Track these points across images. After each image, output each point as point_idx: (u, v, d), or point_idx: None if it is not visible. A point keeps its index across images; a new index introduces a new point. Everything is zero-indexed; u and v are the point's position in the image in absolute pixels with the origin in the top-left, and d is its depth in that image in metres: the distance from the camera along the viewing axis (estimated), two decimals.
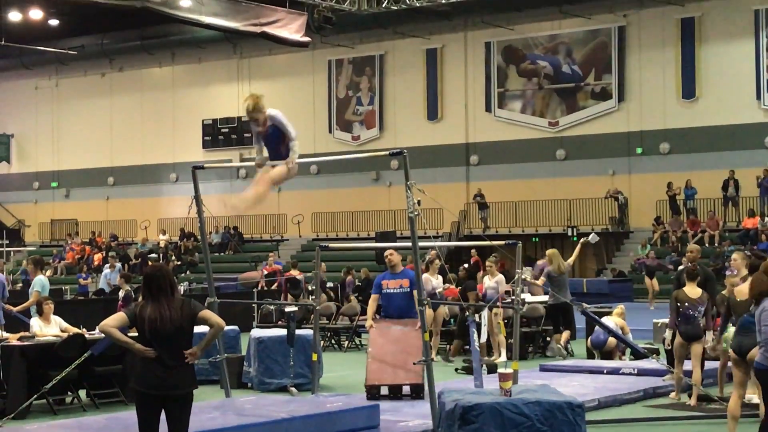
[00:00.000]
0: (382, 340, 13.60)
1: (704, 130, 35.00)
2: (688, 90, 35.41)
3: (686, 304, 13.15)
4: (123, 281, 21.37)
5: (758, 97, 34.26)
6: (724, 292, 13.71)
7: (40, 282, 16.85)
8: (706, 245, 32.42)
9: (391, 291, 13.86)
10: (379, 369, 13.31)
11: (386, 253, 14.24)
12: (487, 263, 18.95)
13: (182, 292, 25.51)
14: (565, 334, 18.61)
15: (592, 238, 22.94)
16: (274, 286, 28.62)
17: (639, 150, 36.37)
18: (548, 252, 19.22)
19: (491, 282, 18.45)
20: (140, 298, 8.13)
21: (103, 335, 9.25)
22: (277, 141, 10.53)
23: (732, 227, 34.00)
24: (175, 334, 7.71)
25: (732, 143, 34.47)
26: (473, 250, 30.89)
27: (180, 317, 7.72)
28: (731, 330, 13.04)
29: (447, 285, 19.88)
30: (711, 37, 35.23)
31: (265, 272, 31.87)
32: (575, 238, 35.83)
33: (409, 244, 11.03)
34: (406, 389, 13.26)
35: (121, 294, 20.12)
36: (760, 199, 33.61)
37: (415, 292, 13.05)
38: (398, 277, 13.89)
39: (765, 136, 34.25)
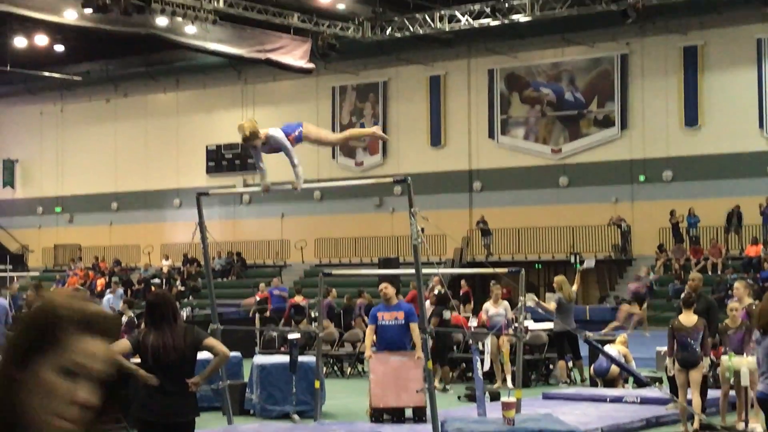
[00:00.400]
0: (383, 368, 13.68)
1: (707, 158, 35.05)
2: (691, 118, 35.49)
3: (681, 332, 13.18)
4: (126, 307, 21.32)
5: (761, 125, 34.32)
6: (727, 321, 13.74)
7: None
8: (709, 273, 32.39)
9: (386, 323, 13.97)
10: (382, 393, 13.38)
11: (381, 287, 14.40)
12: (491, 289, 18.90)
13: (185, 318, 25.55)
14: (579, 363, 18.49)
15: (587, 263, 22.92)
16: (266, 313, 28.61)
17: (642, 177, 36.41)
18: (557, 279, 19.05)
19: (497, 309, 18.39)
20: (143, 325, 8.13)
21: None
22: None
23: (735, 255, 33.98)
24: (178, 361, 7.70)
25: (735, 171, 34.50)
26: (463, 281, 30.74)
27: (183, 345, 7.72)
28: (735, 359, 13.06)
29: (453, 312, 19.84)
30: (714, 66, 35.33)
31: (257, 299, 31.93)
32: (578, 266, 35.79)
33: (413, 270, 11.06)
34: (408, 413, 13.28)
35: (123, 320, 20.09)
36: (763, 227, 33.61)
37: (412, 325, 13.39)
38: (393, 310, 14.01)
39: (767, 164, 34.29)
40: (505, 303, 18.53)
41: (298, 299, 26.39)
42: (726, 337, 13.65)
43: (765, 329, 9.46)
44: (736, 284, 14.43)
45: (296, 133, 10.65)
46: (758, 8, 31.70)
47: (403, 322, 13.78)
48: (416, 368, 12.97)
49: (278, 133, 10.50)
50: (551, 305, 18.09)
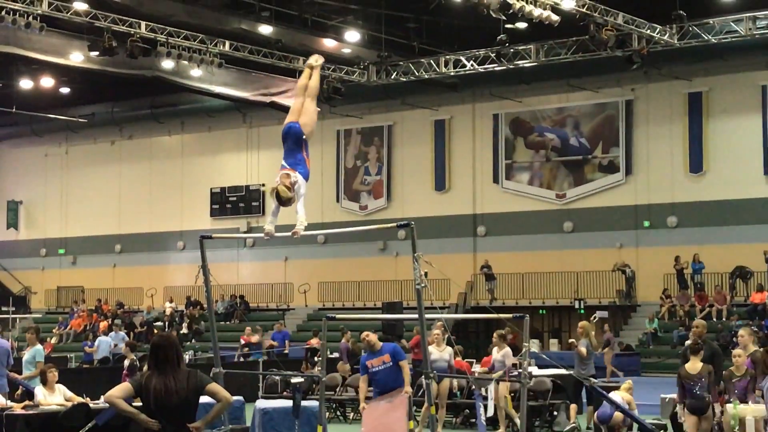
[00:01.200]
0: (372, 416, 13.87)
1: (712, 204, 35.02)
2: (696, 164, 35.49)
3: (688, 379, 13.18)
4: (128, 350, 21.28)
5: (766, 172, 34.30)
6: (731, 368, 13.67)
7: (40, 352, 16.78)
8: (714, 320, 32.28)
9: (376, 369, 14.18)
10: None
11: (362, 335, 14.62)
12: (495, 336, 18.79)
13: (187, 361, 25.45)
14: (574, 407, 18.34)
15: (600, 314, 22.87)
16: (250, 358, 28.65)
17: (646, 223, 36.36)
18: (583, 325, 18.81)
19: (498, 355, 18.32)
20: (146, 368, 8.06)
21: (107, 405, 9.17)
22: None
23: (740, 302, 33.86)
24: (180, 406, 7.63)
25: (739, 218, 34.45)
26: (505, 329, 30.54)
27: (186, 389, 7.64)
28: (740, 407, 12.95)
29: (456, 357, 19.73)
30: (718, 112, 35.38)
31: (242, 342, 31.94)
32: (582, 311, 35.73)
33: (416, 315, 11.01)
34: None
35: (126, 363, 20.03)
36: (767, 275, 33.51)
37: (401, 363, 13.82)
38: (378, 355, 14.22)
39: None
40: (507, 349, 18.40)
41: (314, 342, 26.35)
42: (730, 384, 13.57)
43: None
44: (741, 331, 14.36)
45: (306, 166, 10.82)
46: (763, 55, 31.77)
47: (391, 363, 14.03)
48: (401, 409, 13.21)
49: (301, 180, 10.67)
50: (582, 350, 17.86)
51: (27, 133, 47.00)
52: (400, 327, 30.26)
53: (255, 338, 32.36)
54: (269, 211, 11.14)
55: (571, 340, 15.29)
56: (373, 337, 14.47)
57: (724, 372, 14.00)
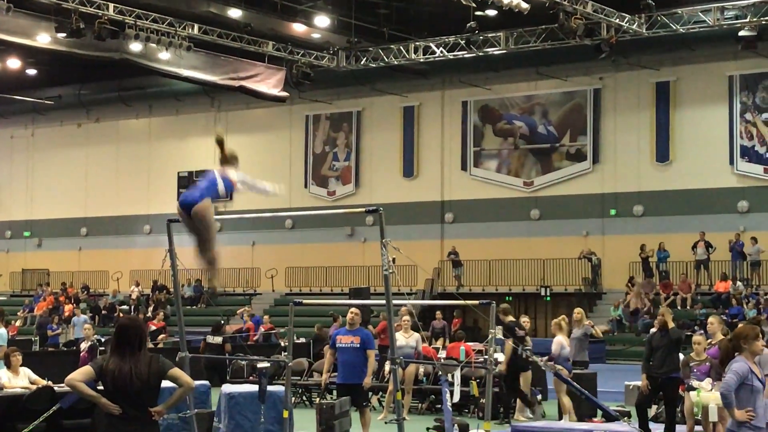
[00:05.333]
0: None
1: (678, 193, 35.24)
2: (662, 153, 35.69)
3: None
4: (89, 332, 21.09)
5: (731, 162, 34.55)
6: (691, 353, 13.79)
7: (3, 335, 16.67)
8: (678, 308, 32.52)
9: (344, 345, 14.43)
10: None
11: (351, 310, 14.79)
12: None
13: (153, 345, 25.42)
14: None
15: (603, 326, 23.44)
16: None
17: (613, 212, 36.55)
18: (579, 311, 19.54)
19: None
20: (109, 351, 8.02)
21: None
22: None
23: (704, 291, 34.11)
24: (141, 390, 7.57)
25: (705, 207, 34.69)
26: (438, 312, 30.69)
27: (147, 373, 7.60)
28: (703, 394, 13.06)
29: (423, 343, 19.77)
30: (685, 102, 35.57)
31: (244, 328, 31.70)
32: (548, 299, 35.91)
33: (383, 301, 11.02)
34: None
35: (84, 345, 19.86)
36: (732, 263, 33.77)
37: (368, 351, 14.10)
38: (351, 334, 14.46)
39: (737, 200, 34.51)
40: (416, 334, 18.46)
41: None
42: (688, 368, 13.67)
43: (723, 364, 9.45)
44: (711, 319, 14.46)
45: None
46: (730, 45, 31.94)
47: (359, 346, 14.24)
48: None
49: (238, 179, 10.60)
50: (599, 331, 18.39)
51: None
52: (367, 313, 30.27)
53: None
54: (244, 197, 11.19)
55: (498, 335, 15.39)
56: (358, 318, 14.71)
57: (683, 357, 14.12)
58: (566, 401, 16.90)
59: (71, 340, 31.06)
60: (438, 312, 30.56)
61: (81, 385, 7.69)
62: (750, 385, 8.72)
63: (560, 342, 17.22)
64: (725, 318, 25.06)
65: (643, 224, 35.90)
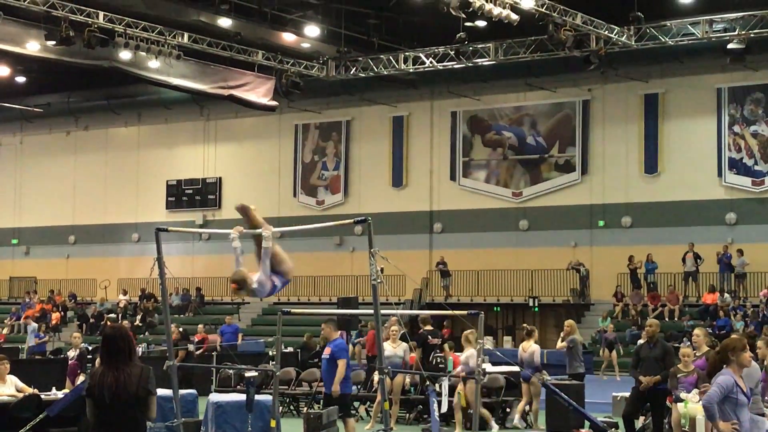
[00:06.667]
0: None
1: (666, 205, 35.32)
2: (651, 165, 35.78)
3: None
4: (77, 339, 20.98)
5: (719, 174, 34.64)
6: (679, 365, 13.83)
7: None
8: (666, 319, 32.57)
9: (324, 357, 15.03)
10: None
11: (322, 325, 15.57)
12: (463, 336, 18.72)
13: (140, 354, 25.31)
14: (533, 406, 18.38)
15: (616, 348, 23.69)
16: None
17: (601, 223, 36.61)
18: (570, 323, 19.63)
19: (462, 356, 18.28)
20: (97, 360, 7.97)
21: (58, 396, 9.10)
22: None
23: (692, 302, 34.18)
24: (130, 399, 7.53)
25: (693, 219, 34.78)
26: (445, 322, 30.60)
27: (137, 384, 7.53)
28: (690, 405, 13.08)
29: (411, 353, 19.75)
30: (674, 114, 35.68)
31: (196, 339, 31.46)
32: (536, 309, 35.91)
33: (371, 311, 11.03)
34: None
35: (71, 353, 19.77)
36: (719, 275, 33.84)
37: (338, 360, 14.49)
38: (328, 345, 15.00)
39: (725, 212, 34.60)
40: (472, 350, 18.33)
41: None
42: (675, 380, 13.70)
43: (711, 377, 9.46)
44: (696, 331, 14.50)
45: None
46: (719, 58, 32.05)
47: (329, 357, 14.72)
48: None
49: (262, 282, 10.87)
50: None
51: None
52: (355, 322, 30.29)
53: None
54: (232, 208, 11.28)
55: (487, 346, 15.52)
56: (327, 330, 15.33)
57: (671, 369, 14.16)
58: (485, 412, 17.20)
59: (31, 346, 31.16)
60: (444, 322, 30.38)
61: None
62: (735, 398, 8.72)
63: (469, 355, 17.18)
64: (711, 330, 25.07)
65: (631, 235, 35.97)
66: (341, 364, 14.50)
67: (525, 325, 20.98)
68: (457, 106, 39.18)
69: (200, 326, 31.55)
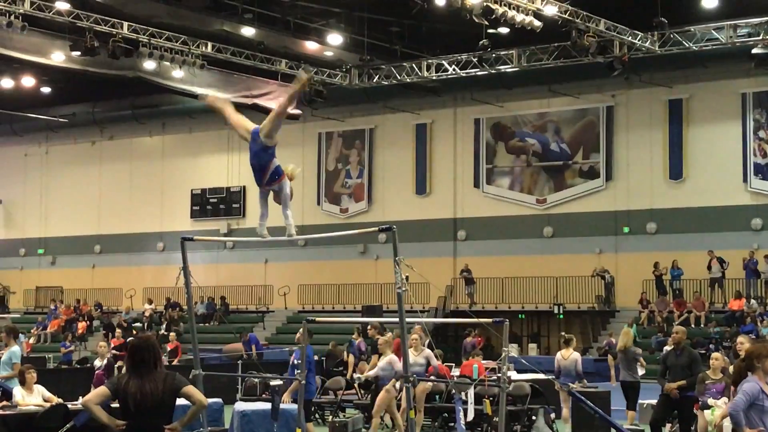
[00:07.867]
0: None
1: (691, 211, 35.17)
2: (676, 171, 35.62)
3: None
4: (104, 349, 21.07)
5: (745, 179, 34.46)
6: (708, 371, 13.75)
7: (16, 353, 16.67)
8: (692, 326, 32.39)
9: None
10: None
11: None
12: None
13: (166, 363, 25.34)
14: (631, 414, 18.28)
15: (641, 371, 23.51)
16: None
17: (626, 229, 36.48)
18: (627, 331, 19.49)
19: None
20: (123, 369, 8.05)
21: None
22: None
23: (718, 309, 34.00)
24: (156, 407, 7.61)
25: (719, 225, 34.60)
26: (476, 330, 30.44)
27: (161, 390, 7.62)
28: (718, 413, 13.00)
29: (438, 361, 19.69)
30: (698, 119, 35.52)
31: (169, 349, 31.49)
32: (561, 316, 35.80)
33: (396, 318, 11.02)
34: None
35: (98, 363, 19.85)
36: (746, 281, 33.66)
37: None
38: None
39: (751, 218, 34.42)
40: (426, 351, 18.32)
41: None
42: (702, 385, 13.62)
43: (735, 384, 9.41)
44: (740, 338, 14.35)
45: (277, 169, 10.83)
46: (743, 63, 31.92)
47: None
48: None
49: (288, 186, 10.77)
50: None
51: (7, 133, 46.80)
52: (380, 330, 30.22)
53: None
54: (257, 213, 11.16)
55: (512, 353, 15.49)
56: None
57: (699, 375, 14.08)
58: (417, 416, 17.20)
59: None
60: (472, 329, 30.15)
61: (95, 407, 7.75)
62: (761, 405, 8.68)
63: (389, 361, 17.13)
64: (754, 337, 24.84)
65: (656, 242, 35.81)
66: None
67: (563, 333, 20.86)
68: (480, 113, 39.14)
69: (172, 335, 31.70)
